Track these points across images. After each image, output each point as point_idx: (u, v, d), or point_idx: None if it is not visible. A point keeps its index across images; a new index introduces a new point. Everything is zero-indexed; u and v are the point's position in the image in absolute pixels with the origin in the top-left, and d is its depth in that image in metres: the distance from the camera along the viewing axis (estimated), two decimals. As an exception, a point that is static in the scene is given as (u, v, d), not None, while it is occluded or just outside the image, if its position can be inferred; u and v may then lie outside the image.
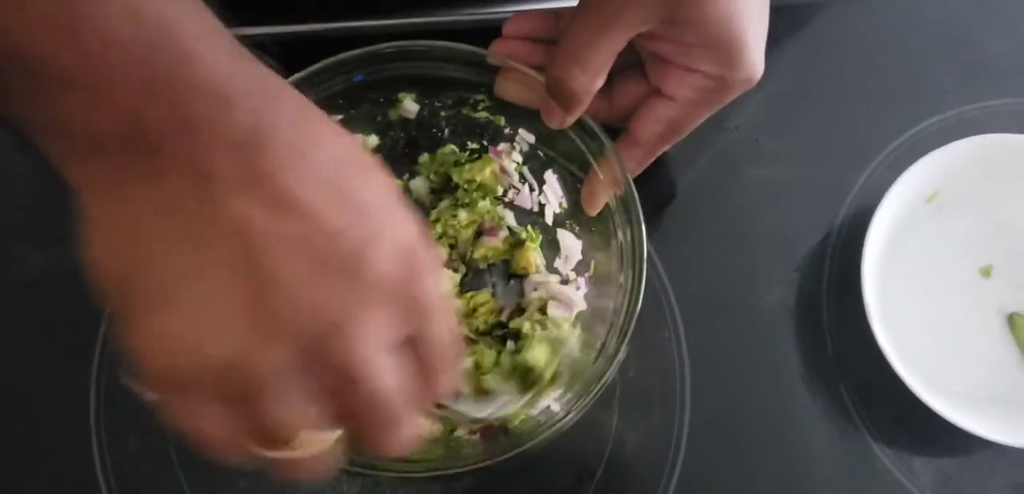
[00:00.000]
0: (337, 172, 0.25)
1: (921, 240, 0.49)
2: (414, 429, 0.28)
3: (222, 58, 0.24)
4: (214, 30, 0.24)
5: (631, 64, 0.42)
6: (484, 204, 0.46)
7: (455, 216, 0.46)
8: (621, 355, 0.39)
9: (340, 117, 0.43)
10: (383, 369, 0.26)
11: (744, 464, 0.46)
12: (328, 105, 0.42)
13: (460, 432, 0.42)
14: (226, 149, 0.23)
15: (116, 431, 0.45)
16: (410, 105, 0.44)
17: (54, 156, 0.24)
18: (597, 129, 0.41)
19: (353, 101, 0.43)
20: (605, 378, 0.38)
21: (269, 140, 0.24)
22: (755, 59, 0.39)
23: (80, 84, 0.22)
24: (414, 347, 0.27)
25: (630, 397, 0.46)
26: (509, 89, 0.43)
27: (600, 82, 0.39)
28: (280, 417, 0.25)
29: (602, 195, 0.42)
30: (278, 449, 0.26)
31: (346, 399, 0.26)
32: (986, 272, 0.50)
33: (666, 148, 0.43)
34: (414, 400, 0.28)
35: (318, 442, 0.27)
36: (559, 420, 0.38)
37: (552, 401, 0.42)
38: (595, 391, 0.38)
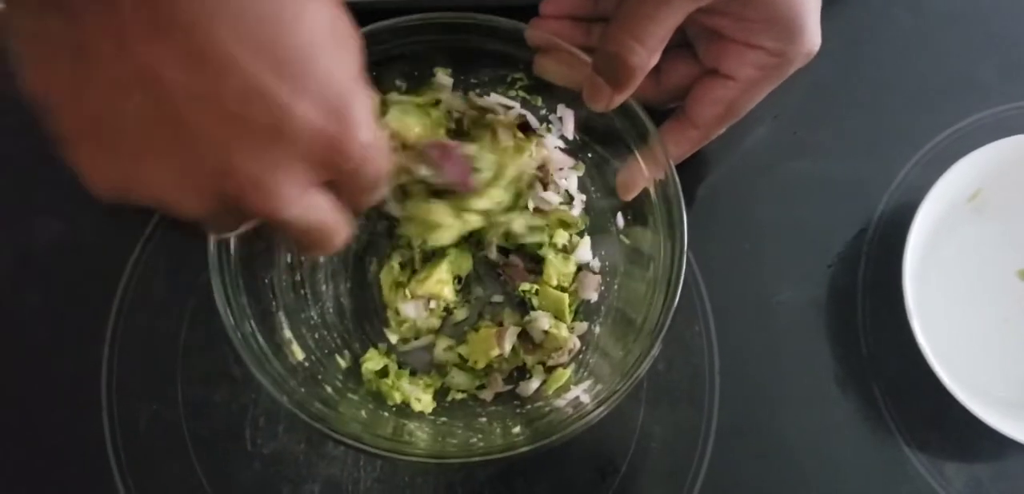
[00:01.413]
0: (260, 15, 0.24)
1: (961, 240, 0.48)
2: (347, 232, 0.29)
3: None
4: None
5: (679, 43, 0.41)
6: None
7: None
8: (655, 350, 0.37)
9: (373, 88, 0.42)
10: (304, 208, 0.26)
11: (772, 463, 0.44)
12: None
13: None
14: None
15: (127, 411, 0.44)
16: (444, 79, 0.43)
17: None
18: (640, 112, 0.39)
19: (384, 73, 0.42)
20: (637, 373, 0.37)
21: None
22: (814, 32, 0.38)
23: None
24: (337, 185, 0.28)
25: (658, 392, 0.45)
26: (550, 68, 0.41)
27: (656, 58, 0.37)
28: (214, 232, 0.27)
29: (640, 180, 0.41)
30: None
31: (274, 228, 0.27)
32: (1025, 275, 0.48)
33: (722, 131, 0.42)
34: (343, 214, 0.28)
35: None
36: (588, 413, 0.37)
37: (581, 392, 0.40)
38: (626, 386, 0.37)
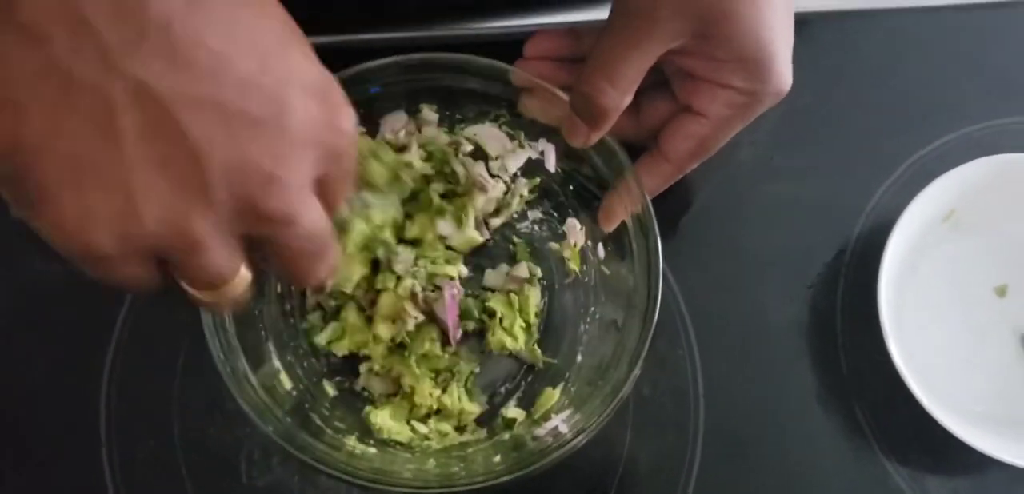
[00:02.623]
0: (231, 13, 0.24)
1: (936, 259, 0.49)
2: (336, 255, 0.29)
3: None
4: None
5: (658, 82, 0.42)
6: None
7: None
8: (636, 373, 0.39)
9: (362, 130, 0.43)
10: (311, 206, 0.27)
11: (757, 483, 0.45)
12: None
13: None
14: (107, 3, 0.21)
15: (125, 442, 0.45)
16: (429, 114, 0.44)
17: None
18: (616, 147, 0.41)
19: (372, 113, 0.43)
20: (619, 395, 0.38)
21: None
22: (785, 71, 0.39)
23: None
24: (326, 177, 0.27)
25: (643, 416, 0.46)
26: (533, 107, 0.42)
27: (628, 99, 0.38)
28: (214, 267, 0.25)
29: (619, 212, 0.42)
30: (207, 291, 0.27)
31: (279, 240, 0.26)
32: (1001, 291, 0.49)
33: (695, 165, 0.43)
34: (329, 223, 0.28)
35: (240, 279, 0.28)
36: (572, 437, 0.38)
37: (560, 422, 0.41)
38: (608, 410, 0.38)
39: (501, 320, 0.45)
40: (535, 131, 0.45)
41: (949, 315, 0.49)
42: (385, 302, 0.43)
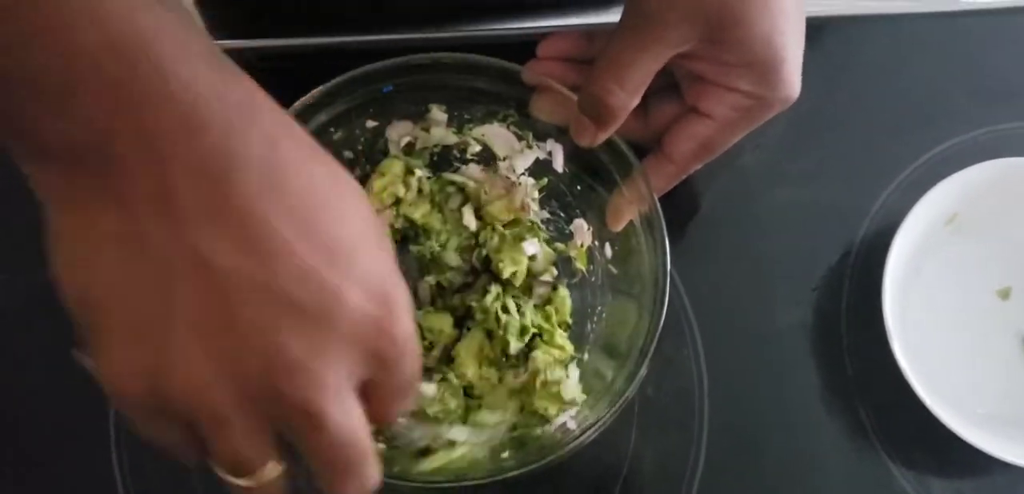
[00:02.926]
0: (311, 204, 0.24)
1: (940, 262, 0.50)
2: (375, 472, 0.27)
3: (200, 76, 0.23)
4: (194, 45, 0.23)
5: (667, 85, 0.42)
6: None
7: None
8: (642, 372, 0.39)
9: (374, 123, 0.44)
10: (345, 411, 0.25)
11: (761, 484, 0.46)
12: (358, 114, 0.43)
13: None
14: (192, 176, 0.23)
15: (135, 444, 0.45)
16: (438, 115, 0.44)
17: (20, 161, 0.24)
18: (624, 147, 0.41)
19: (381, 112, 0.44)
20: (625, 395, 0.39)
21: (238, 171, 0.23)
22: (794, 78, 0.39)
23: (48, 90, 0.22)
24: (373, 383, 0.27)
25: (649, 415, 0.46)
26: (544, 107, 0.43)
27: (636, 100, 0.39)
28: (238, 449, 0.25)
29: (627, 212, 0.42)
30: (238, 476, 0.26)
31: (304, 440, 0.26)
32: (1005, 294, 0.50)
33: (699, 166, 0.43)
34: (370, 437, 0.27)
35: (269, 470, 0.27)
36: (580, 434, 0.38)
37: (568, 418, 0.42)
38: (614, 409, 0.38)
39: (541, 335, 0.44)
40: (543, 132, 0.45)
41: (953, 317, 0.49)
42: None
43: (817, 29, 0.54)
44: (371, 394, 0.27)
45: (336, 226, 0.25)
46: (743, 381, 0.47)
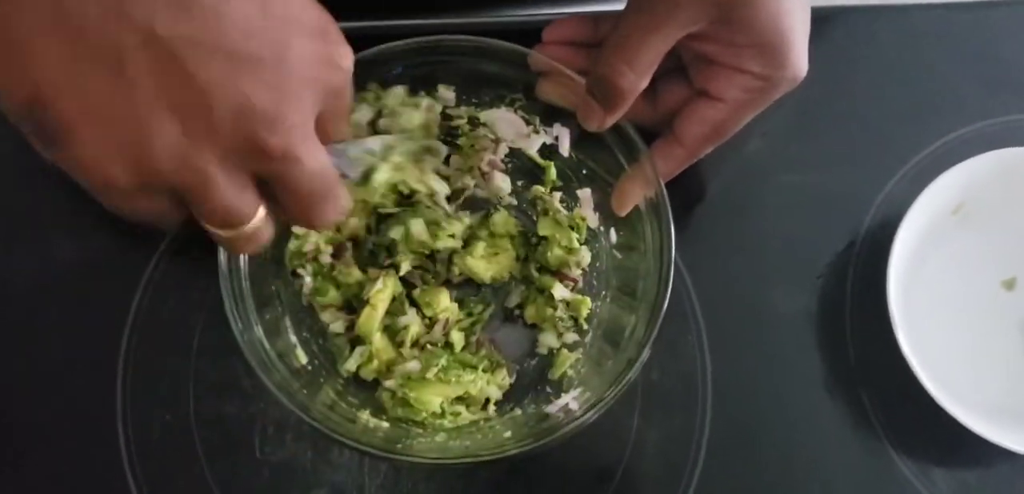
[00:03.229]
0: None
1: (945, 251, 0.50)
2: (346, 194, 0.30)
3: None
4: None
5: (674, 67, 0.42)
6: None
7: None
8: (644, 356, 0.39)
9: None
10: (314, 146, 0.28)
11: (763, 470, 0.46)
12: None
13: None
14: None
15: (141, 422, 0.46)
16: (446, 93, 0.44)
17: None
18: (631, 132, 0.41)
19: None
20: (627, 378, 0.39)
21: None
22: (801, 58, 0.40)
23: None
24: (324, 112, 0.28)
25: (652, 399, 0.47)
26: (550, 91, 0.43)
27: (646, 81, 0.39)
28: (226, 203, 0.27)
29: (633, 197, 0.42)
30: (229, 228, 0.28)
31: (285, 180, 0.27)
32: (1009, 285, 0.50)
33: (709, 150, 0.44)
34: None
35: (260, 215, 0.29)
36: (577, 418, 0.39)
37: (571, 399, 0.42)
38: (616, 390, 0.38)
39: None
40: (550, 116, 0.45)
41: (957, 307, 0.49)
42: (413, 331, 0.44)
43: (825, 19, 0.54)
44: (321, 124, 0.28)
45: None
46: (746, 367, 0.47)
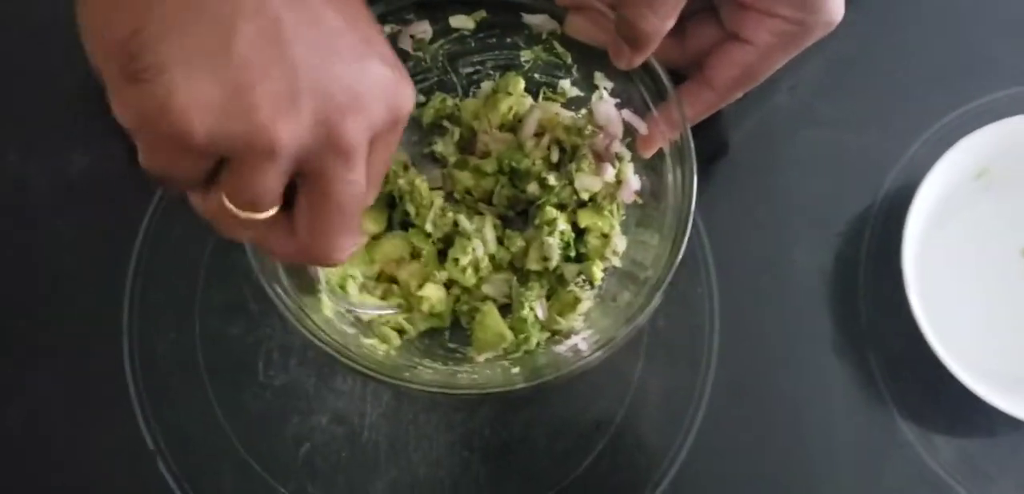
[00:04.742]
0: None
1: (965, 217, 0.49)
2: (361, 235, 0.32)
3: None
4: None
5: (705, 7, 0.41)
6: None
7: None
8: (656, 301, 0.39)
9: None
10: (364, 162, 0.28)
11: (763, 425, 0.46)
12: (394, 18, 0.43)
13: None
14: None
15: (146, 337, 0.46)
16: (466, 22, 0.44)
17: None
18: (661, 72, 0.40)
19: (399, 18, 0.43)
20: (636, 322, 0.38)
21: None
22: (835, 1, 0.38)
23: None
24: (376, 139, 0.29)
25: (656, 347, 0.46)
26: (580, 27, 0.42)
27: (669, 24, 0.38)
28: (267, 186, 0.27)
29: (658, 138, 0.42)
30: (251, 211, 0.28)
31: (330, 179, 0.28)
32: (1028, 255, 0.49)
33: (739, 94, 0.43)
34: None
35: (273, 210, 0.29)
36: (585, 356, 0.38)
37: (580, 340, 0.42)
38: (626, 332, 0.38)
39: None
40: (582, 54, 0.44)
41: (974, 273, 0.48)
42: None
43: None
44: (372, 152, 0.29)
45: (361, 8, 0.29)
46: (755, 321, 0.47)
